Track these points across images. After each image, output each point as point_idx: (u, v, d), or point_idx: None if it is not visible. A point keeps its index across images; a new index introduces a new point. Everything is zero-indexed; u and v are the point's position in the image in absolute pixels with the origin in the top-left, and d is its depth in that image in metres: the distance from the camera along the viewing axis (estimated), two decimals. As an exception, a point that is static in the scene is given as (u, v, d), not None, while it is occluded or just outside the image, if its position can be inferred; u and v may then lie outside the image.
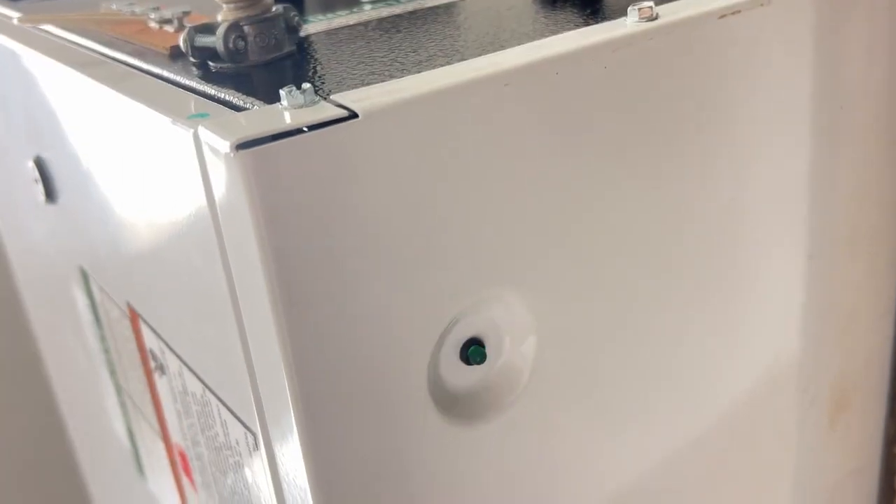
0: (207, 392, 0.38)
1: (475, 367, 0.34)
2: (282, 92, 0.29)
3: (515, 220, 0.33)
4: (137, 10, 0.48)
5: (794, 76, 0.41)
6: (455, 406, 0.34)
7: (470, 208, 0.32)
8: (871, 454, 0.59)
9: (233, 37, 0.36)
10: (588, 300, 0.37)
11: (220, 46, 0.36)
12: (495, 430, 0.36)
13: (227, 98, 0.33)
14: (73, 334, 0.62)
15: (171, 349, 0.41)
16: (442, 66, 0.33)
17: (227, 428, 0.37)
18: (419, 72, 0.32)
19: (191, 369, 0.40)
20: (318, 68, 0.36)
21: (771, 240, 0.44)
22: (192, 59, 0.38)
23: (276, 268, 0.28)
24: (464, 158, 0.31)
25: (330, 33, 0.42)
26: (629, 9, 0.36)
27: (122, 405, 0.57)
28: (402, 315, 0.31)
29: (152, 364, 0.46)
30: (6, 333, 0.92)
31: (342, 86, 0.33)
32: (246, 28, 0.36)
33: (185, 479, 0.49)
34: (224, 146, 0.27)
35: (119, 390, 0.56)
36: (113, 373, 0.55)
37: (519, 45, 0.35)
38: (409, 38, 0.39)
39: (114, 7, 0.51)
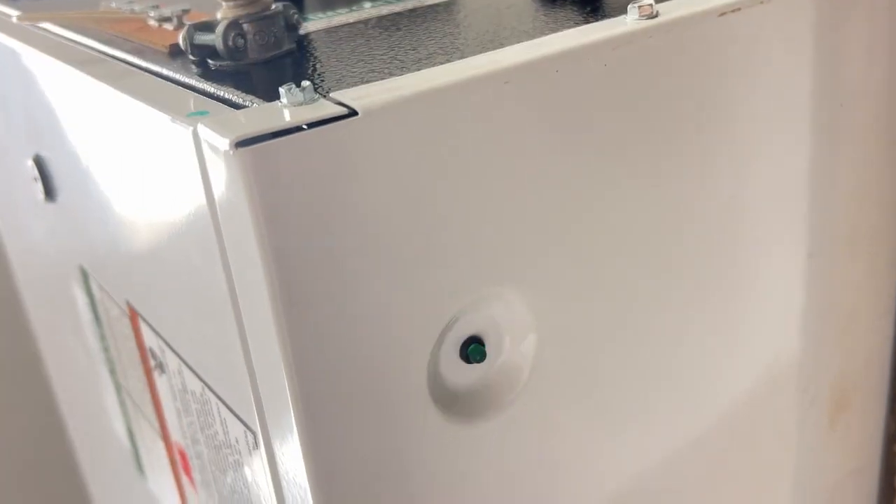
0: (207, 390, 0.38)
1: (475, 365, 0.34)
2: (281, 90, 0.29)
3: (515, 218, 0.33)
4: (137, 7, 0.48)
5: (793, 74, 0.41)
6: (455, 404, 0.34)
7: (470, 206, 0.32)
8: (872, 454, 0.59)
9: (232, 35, 0.36)
10: (588, 298, 0.37)
11: (219, 44, 0.36)
12: (495, 428, 0.36)
13: (226, 96, 0.33)
14: (73, 333, 0.62)
15: (170, 348, 0.41)
16: (442, 63, 0.33)
17: (226, 426, 0.37)
18: (419, 70, 0.32)
19: (190, 368, 0.40)
20: (318, 66, 0.36)
21: (771, 238, 0.44)
22: (191, 57, 0.38)
23: (276, 266, 0.28)
24: (464, 156, 0.31)
25: (329, 31, 0.42)
26: (629, 7, 0.36)
27: (122, 404, 0.57)
28: (401, 313, 0.31)
29: (152, 362, 0.45)
30: (6, 333, 0.92)
31: (342, 84, 0.33)
32: (245, 26, 0.36)
33: (184, 478, 0.49)
34: (223, 144, 0.27)
35: (119, 389, 0.56)
36: (112, 371, 0.55)
37: (519, 42, 0.35)
38: (409, 36, 0.39)
39: (113, 5, 0.51)
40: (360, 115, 0.28)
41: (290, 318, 0.29)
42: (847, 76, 0.45)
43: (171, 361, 0.42)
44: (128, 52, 0.42)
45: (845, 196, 0.48)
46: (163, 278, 0.38)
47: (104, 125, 0.38)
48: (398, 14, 0.44)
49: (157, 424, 0.50)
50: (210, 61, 0.38)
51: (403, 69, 0.34)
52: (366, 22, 0.43)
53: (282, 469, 0.33)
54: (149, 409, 0.50)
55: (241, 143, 0.27)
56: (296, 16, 0.39)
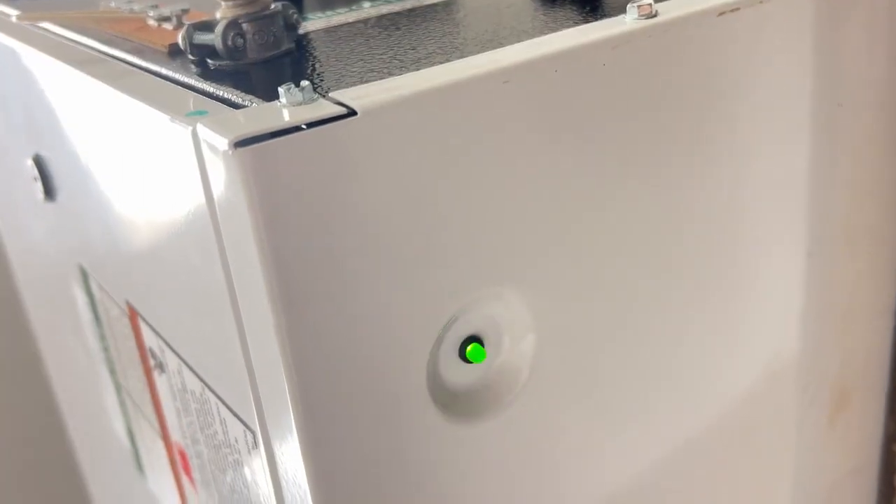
0: (206, 390, 0.38)
1: (474, 365, 0.34)
2: (280, 89, 0.29)
3: (514, 217, 0.33)
4: (136, 7, 0.48)
5: (792, 74, 0.41)
6: (454, 404, 0.34)
7: (469, 206, 0.32)
8: (871, 453, 0.59)
9: (231, 34, 0.36)
10: (587, 298, 0.37)
11: (218, 44, 0.36)
12: (495, 428, 0.36)
13: (225, 96, 0.33)
14: (73, 333, 0.62)
15: (170, 347, 0.41)
16: (441, 63, 0.33)
17: (226, 426, 0.37)
18: (418, 69, 0.32)
19: (190, 367, 0.40)
20: (317, 66, 0.36)
21: (770, 237, 0.44)
22: (190, 57, 0.38)
23: (275, 265, 0.28)
24: (463, 156, 0.31)
25: (329, 31, 0.42)
26: (628, 6, 0.36)
27: (122, 404, 0.57)
28: (401, 313, 0.31)
29: (151, 362, 0.45)
30: (6, 333, 0.92)
31: (341, 83, 0.33)
32: (245, 25, 0.36)
33: (184, 478, 0.49)
34: (222, 144, 0.27)
35: (119, 389, 0.56)
36: (112, 371, 0.55)
37: (518, 42, 0.35)
38: (409, 36, 0.39)
39: (112, 5, 0.51)
40: (359, 114, 0.28)
41: (289, 317, 0.29)
42: (846, 76, 0.45)
43: (171, 361, 0.42)
44: (127, 51, 0.42)
45: (844, 195, 0.48)
46: (162, 278, 0.38)
47: (104, 125, 0.38)
48: (397, 14, 0.44)
49: (156, 424, 0.50)
50: (209, 61, 0.38)
51: (402, 69, 0.34)
52: (365, 21, 0.43)
53: (281, 469, 0.33)
54: (149, 408, 0.50)
55: (240, 143, 0.27)
56: (295, 15, 0.39)
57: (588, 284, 0.37)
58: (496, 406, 0.35)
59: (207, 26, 0.37)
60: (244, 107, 0.32)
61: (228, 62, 0.37)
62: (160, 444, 0.51)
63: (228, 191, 0.28)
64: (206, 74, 0.36)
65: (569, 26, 0.37)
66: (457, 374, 0.34)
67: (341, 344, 0.30)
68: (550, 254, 0.35)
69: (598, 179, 0.36)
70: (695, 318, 0.42)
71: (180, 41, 0.38)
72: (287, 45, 0.38)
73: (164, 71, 0.38)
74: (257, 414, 0.33)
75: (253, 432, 0.34)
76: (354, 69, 0.35)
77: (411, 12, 0.44)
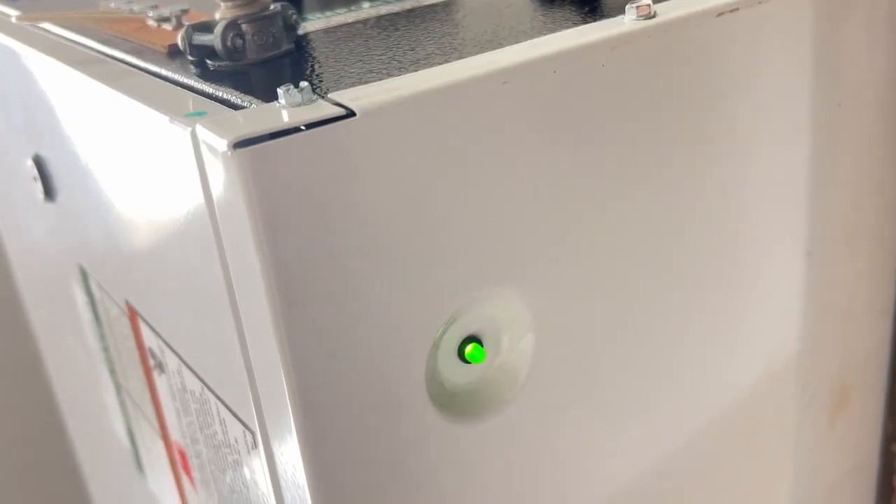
0: (206, 390, 0.38)
1: (473, 365, 0.34)
2: (279, 90, 0.29)
3: (514, 218, 0.33)
4: (136, 8, 0.48)
5: (792, 74, 0.41)
6: (453, 404, 0.34)
7: (468, 206, 0.32)
8: (870, 452, 0.59)
9: (231, 35, 0.36)
10: (587, 298, 0.37)
11: (217, 44, 0.36)
12: (494, 428, 0.36)
13: (224, 96, 0.33)
14: (73, 333, 0.62)
15: (169, 347, 0.41)
16: (440, 64, 0.33)
17: (225, 426, 0.38)
18: (417, 70, 0.32)
19: (189, 367, 0.40)
20: (316, 66, 0.36)
21: (770, 237, 0.44)
22: (190, 58, 0.38)
23: (274, 266, 0.28)
24: (462, 156, 0.31)
25: (328, 31, 0.42)
26: (627, 7, 0.36)
27: (122, 404, 0.57)
28: (399, 313, 0.31)
29: (151, 362, 0.46)
30: (6, 333, 0.92)
31: (340, 84, 0.33)
32: (244, 26, 0.36)
33: (184, 478, 0.49)
34: (221, 144, 0.27)
35: (118, 389, 0.56)
36: (112, 371, 0.55)
37: (517, 43, 0.35)
38: (408, 37, 0.39)
39: (112, 5, 0.51)
40: (358, 115, 0.28)
41: (287, 317, 0.29)
42: (846, 76, 0.45)
43: (171, 361, 0.42)
44: (127, 52, 0.42)
45: (844, 195, 0.48)
46: (162, 278, 0.38)
47: (103, 125, 0.39)
48: (396, 14, 0.44)
49: (156, 424, 0.50)
50: (208, 61, 0.38)
51: (402, 69, 0.34)
52: (364, 22, 0.43)
53: (280, 469, 0.33)
54: (148, 408, 0.50)
55: (240, 144, 0.27)
56: (294, 16, 0.39)
57: (587, 284, 0.37)
58: (495, 406, 0.35)
59: (207, 27, 0.37)
60: (243, 108, 0.32)
61: (228, 63, 0.37)
62: (160, 444, 0.51)
63: (227, 191, 0.28)
64: (205, 75, 0.36)
65: (568, 27, 0.37)
66: (456, 373, 0.34)
67: (340, 344, 0.30)
68: (550, 254, 0.35)
69: (598, 180, 0.36)
70: (695, 317, 0.42)
71: (179, 42, 0.38)
72: (286, 45, 0.38)
73: (163, 71, 0.38)
74: (256, 414, 0.33)
75: (252, 432, 0.35)
76: (353, 70, 0.35)
77: (410, 13, 0.44)
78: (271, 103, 0.30)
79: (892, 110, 0.48)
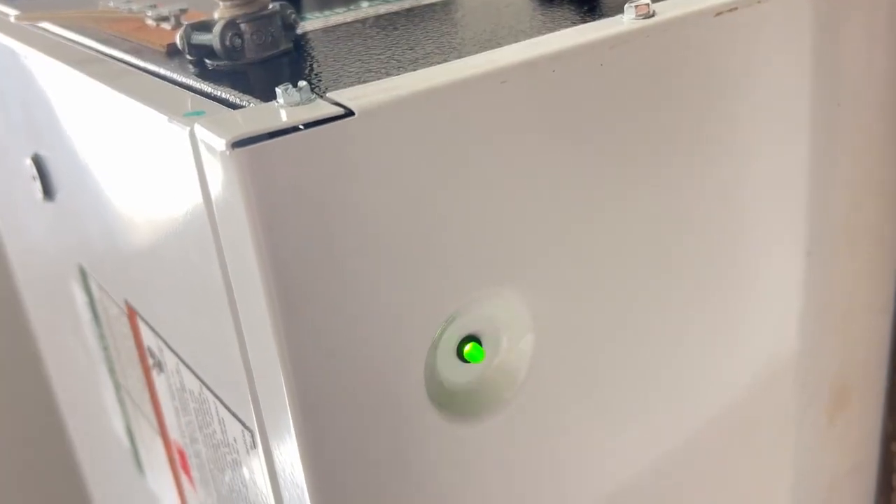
0: (205, 389, 0.38)
1: (473, 364, 0.34)
2: (278, 90, 0.29)
3: (512, 217, 0.33)
4: (135, 7, 0.48)
5: (791, 73, 0.41)
6: (452, 403, 0.34)
7: (467, 206, 0.32)
8: (870, 451, 0.59)
9: (229, 34, 0.36)
10: (586, 298, 0.37)
11: (216, 44, 0.36)
12: (493, 427, 0.36)
13: (223, 96, 0.33)
14: (73, 332, 0.62)
15: (168, 347, 0.41)
16: (439, 63, 0.33)
17: (224, 425, 0.38)
18: (416, 69, 0.32)
19: (188, 367, 0.40)
20: (315, 66, 0.36)
21: (770, 236, 0.44)
22: (188, 57, 0.38)
23: (272, 265, 0.28)
24: (460, 156, 0.31)
25: (327, 31, 0.42)
26: (626, 6, 0.36)
27: (121, 403, 0.57)
28: (398, 312, 0.31)
29: (150, 361, 0.46)
30: (6, 333, 0.92)
31: (339, 83, 0.33)
32: (242, 26, 0.36)
33: (183, 477, 0.49)
34: (220, 144, 0.27)
35: (118, 388, 0.56)
36: (112, 370, 0.55)
37: (516, 42, 0.35)
38: (406, 36, 0.39)
39: (111, 4, 0.51)
40: (356, 115, 0.28)
41: (286, 317, 0.29)
42: (845, 75, 0.45)
43: (170, 360, 0.42)
44: (125, 51, 0.42)
45: (843, 194, 0.48)
46: (161, 277, 0.38)
47: (102, 125, 0.39)
48: (395, 14, 0.44)
49: (155, 423, 0.50)
50: (207, 61, 0.38)
51: (400, 69, 0.34)
52: (363, 21, 0.43)
53: (279, 468, 0.33)
54: (148, 407, 0.50)
55: (238, 144, 0.27)
56: (293, 15, 0.39)
57: (587, 284, 0.37)
58: (494, 406, 0.35)
59: (205, 26, 0.37)
60: (242, 107, 0.32)
61: (226, 62, 0.37)
62: (159, 443, 0.51)
63: (226, 191, 0.28)
64: (203, 74, 0.36)
65: (566, 26, 0.37)
66: (455, 373, 0.34)
67: (339, 343, 0.30)
68: (549, 253, 0.35)
69: (597, 179, 0.36)
70: (694, 317, 0.42)
71: (178, 41, 0.38)
72: (285, 45, 0.38)
73: (162, 71, 0.38)
74: (255, 413, 0.33)
75: (251, 432, 0.35)
76: (352, 69, 0.35)
77: (409, 12, 0.44)
78: (270, 103, 0.30)
79: (892, 110, 0.48)
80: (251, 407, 0.33)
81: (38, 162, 0.51)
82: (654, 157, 0.37)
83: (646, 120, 0.36)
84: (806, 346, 0.49)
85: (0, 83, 0.54)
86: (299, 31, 0.42)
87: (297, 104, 0.29)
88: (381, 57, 0.36)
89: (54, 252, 0.58)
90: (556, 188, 0.34)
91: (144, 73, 0.38)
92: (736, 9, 0.37)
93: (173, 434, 0.47)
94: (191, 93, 0.35)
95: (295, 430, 0.30)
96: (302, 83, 0.29)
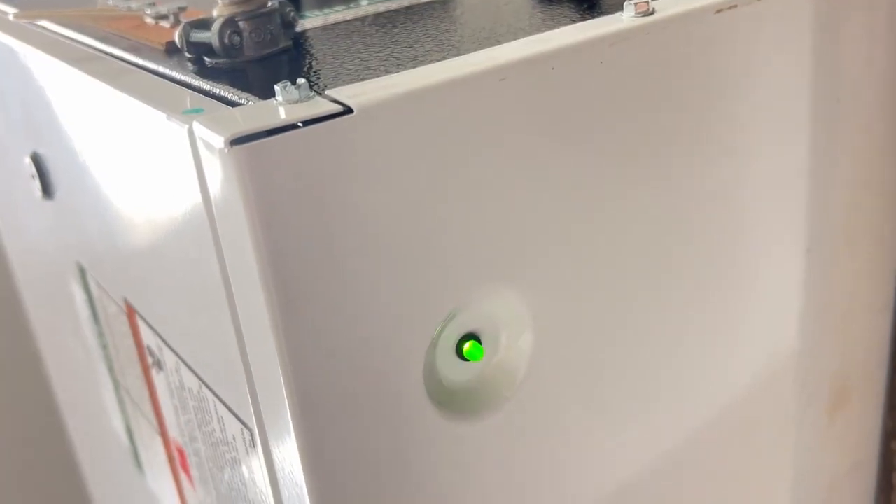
0: (204, 388, 0.38)
1: (472, 362, 0.34)
2: (277, 87, 0.29)
3: (511, 215, 0.33)
4: (133, 5, 0.48)
5: (791, 70, 0.41)
6: (452, 402, 0.34)
7: (466, 203, 0.32)
8: (870, 450, 0.59)
9: (228, 32, 0.36)
10: (585, 296, 0.37)
11: (215, 42, 0.36)
12: (492, 426, 0.36)
13: (222, 94, 0.33)
14: (72, 331, 0.62)
15: (167, 345, 0.41)
16: (438, 61, 0.33)
17: (223, 424, 0.37)
18: (415, 67, 0.32)
19: (187, 365, 0.40)
20: (314, 64, 0.36)
21: (770, 236, 0.44)
22: (187, 55, 0.38)
23: (271, 263, 0.28)
24: (459, 153, 0.31)
25: (326, 29, 0.42)
26: (625, 4, 0.36)
27: (121, 402, 0.57)
28: (397, 310, 0.31)
29: (149, 360, 0.46)
30: (6, 332, 0.92)
31: (338, 81, 0.33)
32: (241, 23, 0.36)
33: (182, 476, 0.49)
34: (218, 141, 0.27)
35: (117, 387, 0.56)
36: (111, 369, 0.55)
37: (515, 40, 0.35)
38: (406, 34, 0.39)
39: (110, 3, 0.51)
40: (355, 112, 0.28)
41: (285, 315, 0.29)
42: (845, 72, 0.44)
43: (169, 359, 0.42)
44: (124, 49, 0.42)
45: (843, 193, 0.48)
46: (160, 276, 0.38)
47: (101, 123, 0.38)
48: (395, 11, 0.44)
49: (155, 422, 0.50)
50: (206, 59, 0.37)
51: (399, 66, 0.34)
52: (362, 19, 0.43)
53: (278, 466, 0.33)
54: (147, 406, 0.50)
55: (236, 141, 0.27)
56: (292, 13, 0.39)
57: (586, 282, 0.37)
58: (494, 404, 0.35)
59: (204, 24, 0.37)
60: (241, 105, 0.32)
61: (225, 60, 0.37)
62: (158, 442, 0.51)
63: (225, 189, 0.28)
64: (202, 72, 0.36)
65: (566, 24, 0.37)
66: (454, 371, 0.34)
67: (338, 341, 0.30)
68: (548, 251, 0.35)
69: (597, 177, 0.36)
70: (694, 316, 0.42)
71: (177, 39, 0.38)
72: (284, 42, 0.38)
73: (160, 69, 0.38)
74: (254, 412, 0.33)
75: (250, 430, 0.34)
76: (351, 67, 0.35)
77: (408, 10, 0.44)
78: (268, 100, 0.30)
79: (892, 109, 0.48)
80: (250, 405, 0.33)
81: (37, 160, 0.51)
82: (654, 155, 0.37)
83: (646, 118, 0.36)
84: (806, 345, 0.49)
85: (-1, 82, 0.54)
86: (298, 28, 0.41)
87: (296, 102, 0.29)
88: (381, 55, 0.36)
89: (53, 250, 0.58)
90: (555, 186, 0.34)
91: (143, 71, 0.38)
92: (736, 6, 0.37)
93: (172, 433, 0.47)
94: (189, 90, 0.35)
95: (294, 428, 0.30)
96: (301, 81, 0.29)
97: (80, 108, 0.41)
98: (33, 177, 0.52)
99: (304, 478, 0.31)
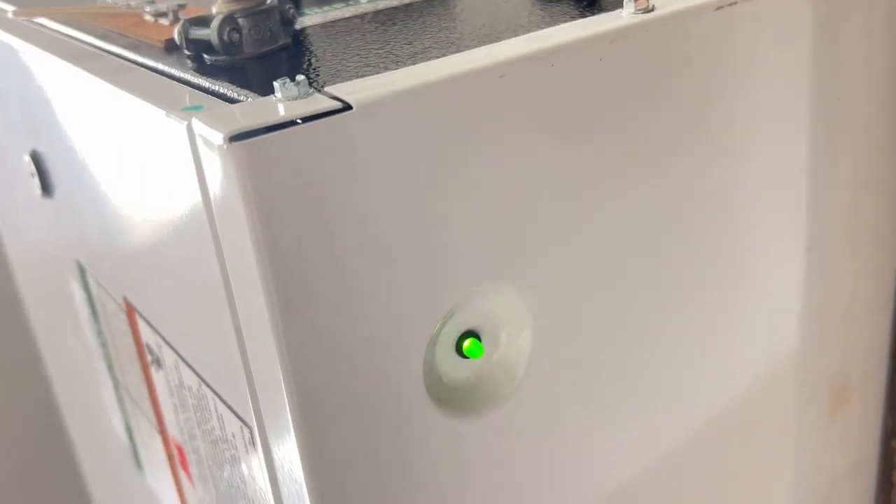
0: (203, 386, 0.38)
1: (471, 359, 0.34)
2: (276, 84, 0.29)
3: (511, 212, 0.33)
4: (133, 3, 0.48)
5: (791, 68, 0.41)
6: (451, 399, 0.34)
7: (466, 200, 0.32)
8: (870, 449, 0.59)
9: (227, 29, 0.36)
10: (585, 294, 0.37)
11: (214, 39, 0.36)
12: (492, 423, 0.35)
13: (221, 91, 0.33)
14: (72, 330, 0.62)
15: (167, 343, 0.41)
16: (437, 58, 0.33)
17: (223, 422, 0.37)
18: (414, 64, 0.32)
19: (187, 363, 0.39)
20: (313, 60, 0.36)
21: (769, 232, 0.44)
22: (186, 52, 0.38)
23: (271, 259, 0.28)
24: (459, 150, 0.31)
25: (325, 26, 0.42)
26: (625, 0, 0.36)
27: (120, 400, 0.57)
28: (397, 307, 0.31)
29: (149, 358, 0.45)
30: (5, 331, 0.92)
31: (337, 78, 0.33)
32: (241, 20, 0.36)
33: (182, 474, 0.49)
34: (217, 138, 0.27)
35: (116, 385, 0.56)
36: (110, 367, 0.55)
37: (515, 36, 0.35)
38: (405, 31, 0.39)
39: (109, 0, 0.51)
40: (354, 109, 0.28)
41: (285, 312, 0.29)
42: (845, 70, 0.44)
43: (168, 357, 0.42)
44: (123, 47, 0.42)
45: (843, 193, 0.48)
46: (159, 273, 0.38)
47: (100, 120, 0.38)
48: (394, 9, 0.44)
49: (154, 420, 0.50)
50: (205, 56, 0.37)
51: (399, 63, 0.34)
52: (362, 17, 0.43)
53: (278, 464, 0.33)
54: (146, 404, 0.50)
55: (235, 138, 0.27)
56: (291, 10, 0.39)
57: (586, 281, 0.37)
58: (493, 401, 0.35)
59: (203, 21, 0.37)
60: (240, 101, 0.31)
61: (224, 57, 0.37)
62: (158, 440, 0.51)
63: (224, 185, 0.28)
64: (202, 69, 0.36)
65: (566, 21, 0.37)
66: (454, 368, 0.34)
67: (337, 339, 0.30)
68: (547, 249, 0.35)
69: (596, 175, 0.35)
70: (694, 315, 0.42)
71: (176, 36, 0.38)
72: (283, 40, 0.38)
73: (160, 66, 0.38)
74: (254, 409, 0.33)
75: (250, 428, 0.34)
76: (350, 64, 0.35)
77: (408, 7, 0.44)
78: (267, 97, 0.30)
79: (891, 109, 0.48)
80: (250, 403, 0.33)
81: (36, 158, 0.51)
82: (654, 154, 0.37)
83: (646, 117, 0.36)
84: (806, 345, 0.49)
85: (-2, 79, 0.53)
86: (298, 26, 0.41)
87: (295, 98, 0.29)
88: (380, 52, 0.36)
89: (53, 248, 0.58)
90: (555, 184, 0.34)
91: (142, 69, 0.38)
92: (735, 3, 0.37)
93: (172, 431, 0.47)
94: (189, 88, 0.34)
95: (293, 425, 0.30)
96: (300, 77, 0.29)
97: (79, 106, 0.41)
98: (33, 175, 0.52)
99: (304, 475, 0.31)
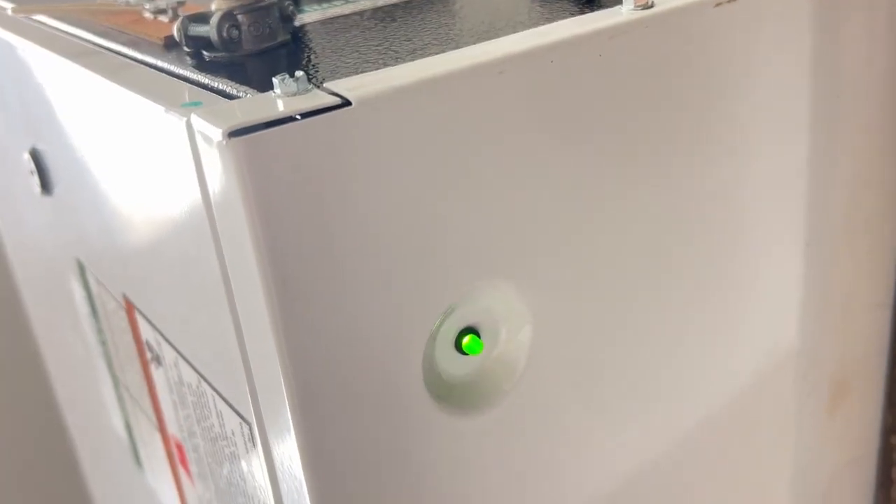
0: (203, 383, 0.38)
1: (471, 356, 0.34)
2: (275, 80, 0.29)
3: (510, 209, 0.33)
4: (132, 0, 0.48)
5: (791, 65, 0.41)
6: (451, 395, 0.34)
7: (465, 197, 0.32)
8: (869, 444, 0.59)
9: (226, 26, 0.36)
10: (585, 291, 0.37)
11: (213, 35, 0.36)
12: (491, 420, 0.35)
13: (220, 87, 0.33)
14: (72, 327, 0.62)
15: (166, 340, 0.41)
16: (436, 54, 0.33)
17: (222, 419, 0.37)
18: (413, 60, 0.32)
19: (186, 360, 0.39)
20: (312, 57, 0.36)
21: (769, 228, 0.44)
22: (186, 49, 0.38)
23: (270, 255, 0.28)
24: (458, 146, 0.31)
25: (325, 22, 0.42)
26: (625, -3, 0.36)
27: (120, 398, 0.57)
28: (397, 303, 0.31)
29: (148, 355, 0.45)
30: (5, 329, 0.92)
31: (336, 74, 0.33)
32: (240, 17, 0.36)
33: (181, 471, 0.49)
34: (216, 134, 0.27)
35: (116, 383, 0.56)
36: (110, 365, 0.55)
37: (514, 33, 0.35)
38: (404, 27, 0.39)
39: (108, -2, 0.51)
40: (353, 105, 0.28)
41: (284, 308, 0.29)
42: (845, 67, 0.44)
43: (168, 354, 0.42)
44: (123, 44, 0.42)
45: (843, 192, 0.48)
46: (158, 270, 0.38)
47: (100, 117, 0.38)
48: (393, 5, 0.44)
49: (154, 417, 0.50)
50: (205, 52, 0.37)
51: (398, 59, 0.34)
52: (361, 13, 0.43)
53: (277, 461, 0.33)
54: (146, 402, 0.50)
55: (235, 133, 0.27)
56: (291, 7, 0.39)
57: (585, 277, 0.37)
58: (493, 398, 0.35)
59: (203, 18, 0.37)
60: (239, 98, 0.31)
61: (224, 54, 0.37)
62: (157, 438, 0.51)
63: (223, 181, 0.28)
64: (201, 66, 0.36)
65: (565, 17, 0.37)
66: (453, 365, 0.34)
67: (337, 336, 0.30)
68: (546, 246, 0.35)
69: (596, 172, 0.35)
70: (694, 314, 0.42)
71: (176, 33, 0.38)
72: (282, 36, 0.38)
73: (159, 63, 0.38)
74: (253, 406, 0.33)
75: (249, 425, 0.34)
76: (350, 60, 0.35)
77: (407, 4, 0.44)
78: (267, 93, 0.30)
79: (891, 108, 0.48)
80: (249, 400, 0.33)
81: (35, 156, 0.51)
82: (654, 153, 0.37)
83: (645, 115, 0.36)
84: (806, 341, 0.49)
85: (-3, 77, 0.53)
86: (297, 23, 0.41)
87: (294, 94, 0.29)
88: (379, 48, 0.36)
89: (52, 246, 0.58)
90: (554, 181, 0.34)
91: (142, 66, 0.38)
92: (735, 0, 0.37)
93: (171, 428, 0.47)
94: (188, 84, 0.34)
95: (293, 422, 0.30)
96: (299, 73, 0.29)
97: (78, 103, 0.41)
98: (32, 173, 0.52)
99: (304, 472, 0.31)
